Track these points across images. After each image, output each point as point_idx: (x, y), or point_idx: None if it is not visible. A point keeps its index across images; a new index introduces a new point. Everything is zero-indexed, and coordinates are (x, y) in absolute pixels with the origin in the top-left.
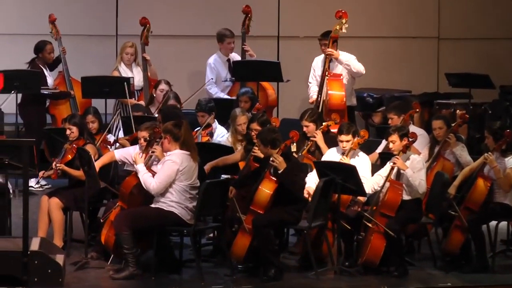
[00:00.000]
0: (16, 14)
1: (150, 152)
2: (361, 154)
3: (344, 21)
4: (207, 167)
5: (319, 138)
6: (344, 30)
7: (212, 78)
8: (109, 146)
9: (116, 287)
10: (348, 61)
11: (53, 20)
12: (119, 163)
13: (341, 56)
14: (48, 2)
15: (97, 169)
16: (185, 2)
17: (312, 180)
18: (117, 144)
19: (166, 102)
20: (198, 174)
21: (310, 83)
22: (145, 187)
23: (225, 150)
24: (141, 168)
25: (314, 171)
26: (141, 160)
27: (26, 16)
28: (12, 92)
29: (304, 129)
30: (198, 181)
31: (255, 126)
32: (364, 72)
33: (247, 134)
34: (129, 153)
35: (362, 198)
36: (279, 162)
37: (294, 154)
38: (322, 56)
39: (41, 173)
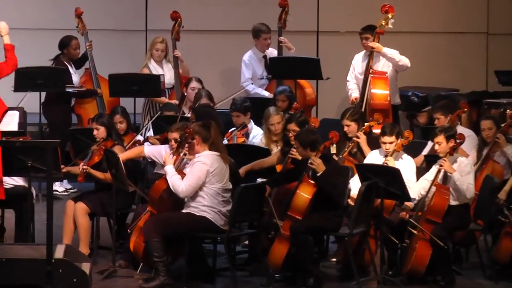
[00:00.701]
0: (40, 8)
1: (181, 154)
2: (405, 156)
3: (390, 15)
4: (241, 171)
5: (362, 140)
6: (390, 26)
7: (248, 77)
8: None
9: None
10: (393, 54)
11: (79, 14)
12: (149, 160)
13: (385, 49)
14: None
15: (123, 160)
16: None
17: (357, 186)
18: (147, 144)
19: (197, 101)
20: (233, 177)
21: (348, 81)
22: (173, 190)
23: (261, 152)
24: (169, 170)
25: (356, 176)
26: (170, 161)
27: (50, 10)
28: (28, 91)
29: (345, 129)
30: (230, 184)
31: (293, 126)
32: (409, 65)
33: (284, 135)
34: (159, 152)
35: (409, 204)
36: (317, 164)
37: (334, 156)
38: (363, 52)
39: (64, 168)
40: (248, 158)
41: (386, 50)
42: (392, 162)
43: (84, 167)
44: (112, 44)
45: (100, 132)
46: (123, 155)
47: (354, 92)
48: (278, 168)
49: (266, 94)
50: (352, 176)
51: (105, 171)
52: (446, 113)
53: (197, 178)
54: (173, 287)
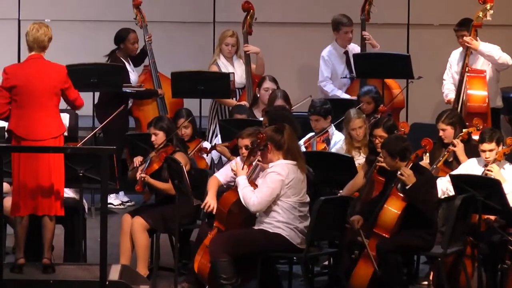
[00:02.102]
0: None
1: (253, 163)
2: (508, 166)
3: (488, 6)
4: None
5: (459, 148)
6: (488, 18)
7: (327, 76)
8: (205, 155)
9: None
10: (490, 52)
11: (138, 3)
12: (225, 186)
13: (481, 46)
14: None
15: (211, 200)
16: None
17: (442, 185)
18: (214, 153)
19: (272, 103)
20: (312, 189)
21: (444, 80)
22: (244, 204)
23: (344, 160)
24: (242, 181)
25: (447, 177)
26: (243, 172)
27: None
28: (80, 91)
29: (441, 133)
30: (307, 197)
31: (380, 132)
32: (511, 63)
33: (370, 142)
34: (231, 171)
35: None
36: (407, 175)
37: (428, 166)
38: (460, 49)
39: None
40: (329, 167)
41: (483, 47)
42: (496, 171)
43: (142, 174)
44: (175, 38)
45: (158, 137)
46: (211, 196)
47: (450, 93)
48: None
49: (346, 97)
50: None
51: (166, 181)
52: None
53: (271, 190)
54: None
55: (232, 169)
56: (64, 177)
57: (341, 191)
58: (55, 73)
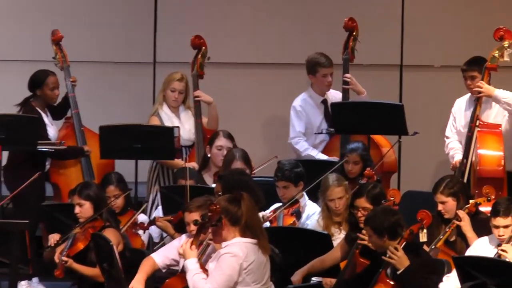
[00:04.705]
0: (5, 33)
1: (204, 242)
2: None
3: (507, 44)
4: (296, 278)
5: (465, 223)
6: (506, 58)
7: (300, 131)
8: (141, 232)
9: None
10: (509, 99)
11: (57, 39)
12: (163, 270)
13: (497, 91)
14: (48, 12)
15: (137, 285)
16: (259, 14)
17: (449, 286)
18: (154, 229)
19: (228, 165)
20: (277, 274)
21: (447, 137)
22: None
23: (320, 238)
24: (191, 266)
25: (454, 272)
26: (192, 253)
27: (19, 35)
28: None
29: (440, 207)
30: (272, 284)
31: (363, 203)
32: None
33: (350, 215)
34: (174, 252)
35: None
36: (398, 257)
37: (425, 246)
38: (467, 97)
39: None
40: (300, 246)
41: (499, 93)
42: (510, 252)
43: (63, 258)
44: (105, 82)
45: (84, 209)
46: (138, 279)
47: (457, 154)
48: (343, 264)
49: (323, 157)
50: (449, 272)
51: (93, 264)
52: None
53: (226, 277)
54: None
55: (178, 252)
56: None
57: (314, 278)
58: None
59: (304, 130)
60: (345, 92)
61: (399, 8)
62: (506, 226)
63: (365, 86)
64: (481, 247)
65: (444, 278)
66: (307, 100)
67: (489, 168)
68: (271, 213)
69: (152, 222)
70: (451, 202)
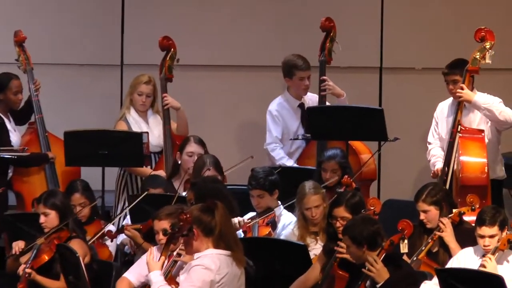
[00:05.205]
0: None
1: (174, 253)
2: None
3: (488, 45)
4: None
5: (448, 233)
6: (488, 61)
7: (277, 137)
8: (109, 241)
9: None
10: (490, 105)
11: (20, 40)
12: None
13: (477, 97)
14: (11, 12)
15: None
16: (231, 13)
17: None
18: (122, 237)
19: (199, 172)
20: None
21: (429, 143)
22: None
23: (296, 249)
24: (155, 279)
25: (434, 280)
26: (157, 265)
27: None
28: None
29: (422, 216)
30: None
31: (341, 212)
32: None
33: (328, 225)
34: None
35: None
36: (377, 270)
37: (405, 258)
38: (450, 101)
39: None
40: (276, 258)
41: (479, 98)
42: (491, 264)
43: (27, 270)
44: (70, 85)
45: (50, 218)
46: None
47: (438, 162)
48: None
49: (296, 167)
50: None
51: (58, 277)
52: None
53: None
54: None
55: (147, 259)
56: None
57: None
58: None
59: (281, 136)
60: (322, 96)
61: (378, 8)
62: (491, 236)
63: (343, 90)
64: (465, 258)
65: (423, 285)
66: (283, 104)
67: (472, 176)
68: (249, 220)
69: (120, 230)
70: (433, 211)
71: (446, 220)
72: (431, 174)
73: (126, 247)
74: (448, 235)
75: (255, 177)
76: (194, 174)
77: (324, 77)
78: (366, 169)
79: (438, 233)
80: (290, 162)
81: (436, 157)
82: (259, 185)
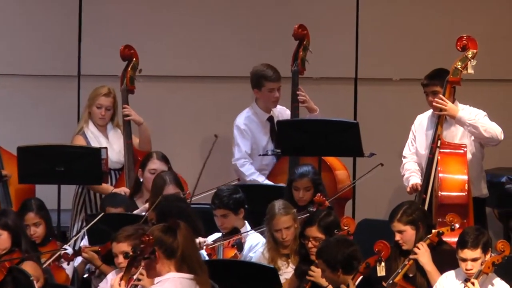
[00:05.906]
0: None
1: (134, 277)
2: (499, 282)
3: (470, 54)
4: None
5: (423, 255)
6: (470, 71)
7: (246, 151)
8: (65, 264)
9: None
10: (475, 121)
11: None
12: None
13: (462, 112)
14: None
15: None
16: (197, 21)
17: None
18: (79, 260)
19: (158, 191)
20: None
21: (404, 157)
22: None
23: (266, 272)
24: None
25: None
26: None
27: None
28: None
29: (397, 237)
30: None
31: (314, 232)
32: (502, 137)
33: (301, 246)
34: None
35: None
36: None
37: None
38: (430, 113)
39: None
40: (243, 282)
41: (464, 114)
42: None
43: None
44: (23, 97)
45: (1, 240)
46: None
47: (413, 177)
48: None
49: (269, 182)
50: None
51: None
52: None
53: None
54: None
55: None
56: None
57: None
58: None
59: (250, 151)
60: (294, 109)
61: (353, 15)
62: (474, 259)
63: (317, 102)
64: (446, 283)
65: None
66: (251, 118)
67: (452, 194)
68: (212, 242)
69: (78, 252)
70: (409, 231)
71: (422, 245)
72: (407, 190)
73: (88, 265)
74: (423, 257)
75: (219, 196)
76: (153, 193)
77: (300, 91)
78: (341, 186)
79: (412, 257)
80: (261, 178)
81: (410, 172)
82: (222, 204)
